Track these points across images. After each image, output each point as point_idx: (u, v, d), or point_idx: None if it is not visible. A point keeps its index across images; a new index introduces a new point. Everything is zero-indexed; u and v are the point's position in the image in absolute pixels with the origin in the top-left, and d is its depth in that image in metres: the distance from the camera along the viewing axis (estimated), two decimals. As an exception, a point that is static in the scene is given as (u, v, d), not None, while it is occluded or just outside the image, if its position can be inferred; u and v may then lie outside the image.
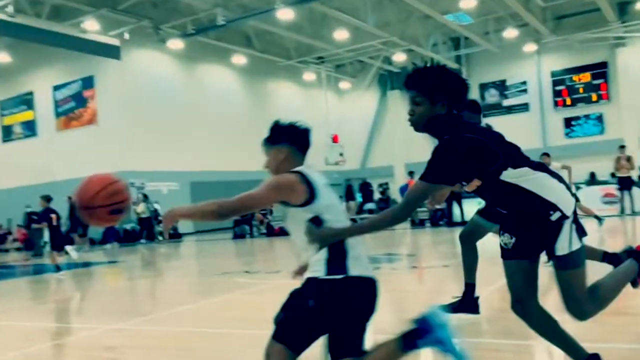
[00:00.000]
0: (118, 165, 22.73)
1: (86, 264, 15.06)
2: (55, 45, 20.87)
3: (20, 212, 23.27)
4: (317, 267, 2.55)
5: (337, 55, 27.15)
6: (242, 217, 20.29)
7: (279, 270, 9.94)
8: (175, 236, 22.44)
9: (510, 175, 2.66)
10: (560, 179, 2.78)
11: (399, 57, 27.19)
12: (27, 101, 26.00)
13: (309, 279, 2.57)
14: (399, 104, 29.65)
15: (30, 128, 26.02)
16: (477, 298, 4.63)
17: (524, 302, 2.76)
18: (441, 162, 2.61)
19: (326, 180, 2.75)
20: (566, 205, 2.71)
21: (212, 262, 13.75)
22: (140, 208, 21.45)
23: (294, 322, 2.55)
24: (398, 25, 24.19)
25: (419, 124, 2.77)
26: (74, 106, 24.47)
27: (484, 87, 28.92)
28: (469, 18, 23.31)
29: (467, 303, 4.57)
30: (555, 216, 2.68)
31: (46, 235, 13.04)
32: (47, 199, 12.99)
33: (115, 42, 21.69)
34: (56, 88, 24.93)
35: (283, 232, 20.56)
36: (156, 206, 22.19)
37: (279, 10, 20.01)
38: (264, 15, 21.04)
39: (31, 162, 25.16)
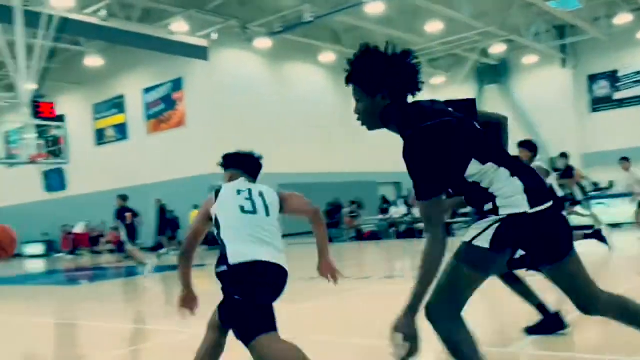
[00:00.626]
0: (205, 168, 23.40)
1: (175, 267, 15.57)
2: (145, 47, 21.83)
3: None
4: (219, 268, 3.11)
5: (430, 48, 26.67)
6: (330, 221, 20.29)
7: (369, 276, 9.78)
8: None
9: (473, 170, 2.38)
10: (530, 175, 2.42)
11: (497, 49, 26.36)
12: (118, 105, 27.36)
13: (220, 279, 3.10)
14: (497, 99, 28.72)
15: (121, 131, 27.37)
16: (558, 313, 4.50)
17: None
18: (419, 173, 2.36)
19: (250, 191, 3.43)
20: (507, 202, 2.33)
21: (300, 267, 13.82)
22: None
23: (242, 319, 2.94)
24: (496, 15, 23.42)
25: (366, 122, 2.55)
26: (163, 109, 25.49)
27: (592, 78, 27.45)
28: (578, 3, 22.17)
29: (550, 322, 4.49)
30: (487, 207, 2.38)
31: (123, 234, 13.60)
32: (124, 198, 13.55)
33: (203, 42, 22.40)
34: (146, 91, 26.07)
35: (374, 236, 20.39)
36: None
37: (368, 4, 19.90)
38: (352, 10, 21.00)
39: (123, 165, 26.47)
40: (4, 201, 30.77)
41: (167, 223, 21.59)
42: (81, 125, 28.39)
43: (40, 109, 17.61)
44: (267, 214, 3.27)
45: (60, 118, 25.76)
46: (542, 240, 2.36)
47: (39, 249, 29.52)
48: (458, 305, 2.43)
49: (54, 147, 25.81)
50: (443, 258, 2.40)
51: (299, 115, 26.23)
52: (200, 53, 22.46)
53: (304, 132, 26.08)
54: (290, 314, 7.26)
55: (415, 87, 2.47)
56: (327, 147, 26.33)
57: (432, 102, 2.57)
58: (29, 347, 6.52)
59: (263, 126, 24.72)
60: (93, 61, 26.04)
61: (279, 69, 26.28)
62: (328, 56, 26.41)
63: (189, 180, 23.53)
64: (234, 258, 3.02)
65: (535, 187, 2.37)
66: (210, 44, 22.54)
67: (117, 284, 13.39)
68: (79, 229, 26.87)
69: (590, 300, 2.50)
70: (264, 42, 23.60)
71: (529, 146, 6.46)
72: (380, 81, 2.45)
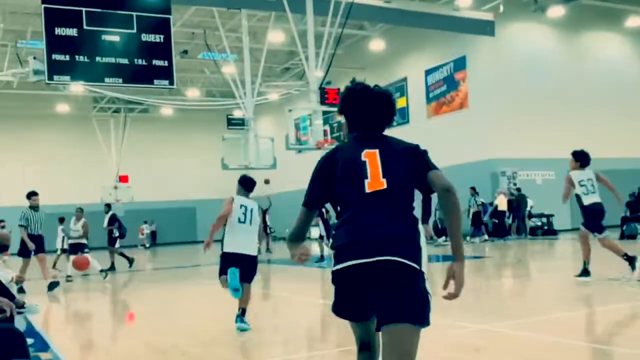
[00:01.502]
0: (486, 153, 23.09)
1: (449, 257, 15.70)
2: (429, 26, 22.19)
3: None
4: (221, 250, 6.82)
5: None
6: (632, 215, 18.39)
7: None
8: (550, 232, 21.73)
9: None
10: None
11: None
12: (400, 88, 28.38)
13: None
14: None
15: (402, 115, 28.38)
16: None
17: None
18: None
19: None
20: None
21: (595, 264, 12.85)
22: (500, 200, 21.18)
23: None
24: None
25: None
26: (445, 90, 25.72)
27: None
28: None
29: None
30: None
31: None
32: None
33: (489, 17, 21.98)
34: (428, 72, 26.57)
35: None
36: (530, 202, 21.80)
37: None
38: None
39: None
40: (292, 184, 34.07)
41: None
42: (364, 110, 30.15)
43: (327, 95, 19.09)
44: (251, 224, 6.68)
45: (344, 104, 27.76)
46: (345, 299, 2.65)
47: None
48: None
49: (339, 132, 27.86)
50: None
51: (595, 93, 24.23)
52: (485, 28, 22.07)
53: (599, 112, 24.03)
54: (584, 317, 6.80)
55: (353, 122, 2.94)
56: (630, 127, 23.90)
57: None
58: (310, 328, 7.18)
59: (552, 106, 23.46)
60: (376, 45, 27.40)
61: (574, 40, 24.56)
62: (636, 21, 23.84)
63: (469, 167, 23.45)
64: (225, 248, 6.68)
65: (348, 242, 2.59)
66: (497, 18, 22.01)
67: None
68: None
69: None
70: (557, 11, 22.27)
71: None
72: (339, 108, 3.10)
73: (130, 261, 17.34)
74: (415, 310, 2.50)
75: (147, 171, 37.02)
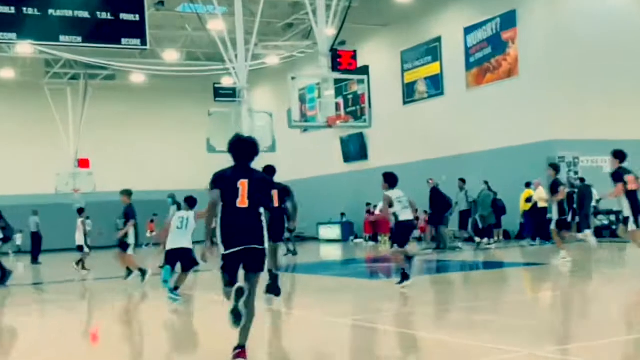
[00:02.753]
0: (540, 133, 22.93)
1: (496, 264, 15.67)
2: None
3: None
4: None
5: None
6: None
7: None
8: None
9: None
10: None
11: None
12: (432, 50, 28.27)
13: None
14: None
15: (435, 85, 28.25)
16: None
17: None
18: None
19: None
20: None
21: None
22: (539, 194, 21.03)
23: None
24: None
25: None
26: (490, 53, 25.61)
27: None
28: None
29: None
30: None
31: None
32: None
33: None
34: (467, 31, 26.46)
35: None
36: (595, 194, 21.69)
37: None
38: None
39: (436, 129, 27.32)
40: (301, 173, 33.96)
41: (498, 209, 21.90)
42: (386, 78, 30.04)
43: (340, 60, 19.01)
44: (186, 228, 11.44)
45: (362, 70, 27.70)
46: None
47: (335, 232, 32.17)
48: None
49: (354, 106, 27.83)
50: None
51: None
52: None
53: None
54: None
55: (233, 155, 6.30)
56: None
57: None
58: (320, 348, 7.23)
59: (626, 75, 23.37)
60: (401, -3, 27.28)
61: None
62: None
63: (518, 151, 23.38)
64: (168, 245, 11.50)
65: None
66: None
67: (423, 280, 13.98)
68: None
69: None
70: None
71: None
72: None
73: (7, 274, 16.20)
74: (260, 267, 6.12)
75: (113, 154, 37.15)
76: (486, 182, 22.05)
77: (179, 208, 17.52)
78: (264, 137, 20.40)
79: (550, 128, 22.95)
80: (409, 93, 29.73)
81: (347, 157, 32.62)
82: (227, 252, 5.89)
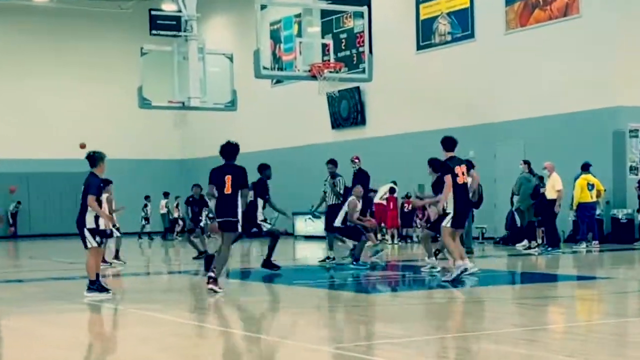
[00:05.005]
0: (606, 96, 22.96)
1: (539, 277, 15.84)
2: None
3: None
4: None
5: None
6: None
7: None
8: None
9: None
10: None
11: None
12: (459, -25, 28.23)
13: None
14: None
15: (462, 24, 28.17)
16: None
17: None
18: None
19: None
20: None
21: None
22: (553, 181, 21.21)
23: None
24: None
25: None
26: (540, -16, 25.60)
27: None
28: None
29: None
30: None
31: None
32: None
33: None
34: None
35: None
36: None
37: None
38: None
39: (464, 85, 27.24)
40: (270, 142, 33.77)
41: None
42: (395, 12, 30.12)
43: (330, -18, 18.91)
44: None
45: (360, -1, 27.61)
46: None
47: (316, 225, 32.04)
48: None
49: (349, 50, 27.76)
50: None
51: None
52: None
53: None
54: None
55: (223, 155, 15.55)
56: None
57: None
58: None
59: None
60: None
61: None
62: None
63: (575, 120, 23.53)
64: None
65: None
66: None
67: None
68: (381, 194, 28.00)
69: None
70: None
71: None
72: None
73: None
74: (233, 228, 15.05)
75: (6, 106, 37.03)
76: (526, 163, 22.01)
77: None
78: (220, 89, 20.40)
79: (620, 90, 23.07)
80: (425, 34, 29.75)
81: (337, 122, 32.58)
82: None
